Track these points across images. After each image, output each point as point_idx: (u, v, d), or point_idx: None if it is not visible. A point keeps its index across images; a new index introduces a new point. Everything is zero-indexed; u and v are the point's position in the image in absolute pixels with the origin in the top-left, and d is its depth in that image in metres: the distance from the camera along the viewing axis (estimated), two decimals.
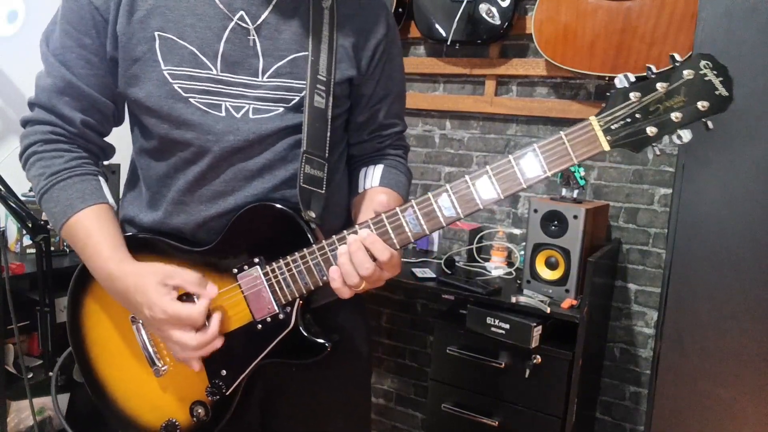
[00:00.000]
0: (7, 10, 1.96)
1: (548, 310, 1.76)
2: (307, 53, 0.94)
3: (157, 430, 1.00)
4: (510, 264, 2.19)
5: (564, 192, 1.97)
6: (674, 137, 0.79)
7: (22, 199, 1.77)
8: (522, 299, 1.81)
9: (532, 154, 0.82)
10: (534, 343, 1.77)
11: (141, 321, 0.99)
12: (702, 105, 0.78)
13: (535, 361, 1.81)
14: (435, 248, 2.36)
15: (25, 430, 1.92)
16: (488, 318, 1.83)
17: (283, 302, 0.93)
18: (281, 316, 0.93)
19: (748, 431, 1.49)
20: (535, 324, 1.76)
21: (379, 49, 1.02)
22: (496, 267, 2.13)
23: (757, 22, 1.40)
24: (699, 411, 1.55)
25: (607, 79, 1.99)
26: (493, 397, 1.91)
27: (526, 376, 1.82)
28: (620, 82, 0.80)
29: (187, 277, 0.90)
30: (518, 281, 2.00)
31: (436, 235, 2.33)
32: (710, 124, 0.79)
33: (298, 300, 0.92)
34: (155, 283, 0.89)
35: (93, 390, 1.05)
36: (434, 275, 2.01)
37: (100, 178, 0.98)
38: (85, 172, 0.97)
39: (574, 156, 0.80)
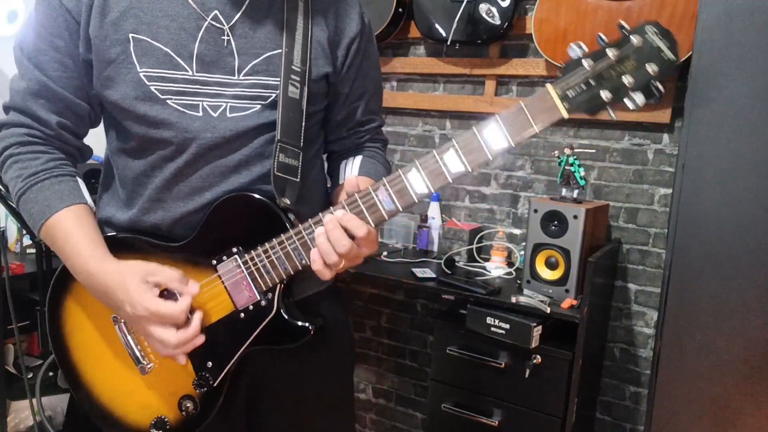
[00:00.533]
0: (7, 10, 1.96)
1: (548, 310, 1.76)
2: (281, 50, 0.95)
3: (147, 428, 1.00)
4: (510, 264, 2.19)
5: (564, 192, 1.97)
6: (627, 101, 0.83)
7: None
8: (522, 299, 1.81)
9: (495, 125, 0.84)
10: (534, 343, 1.77)
11: (123, 320, 0.99)
12: (652, 69, 0.82)
13: (535, 361, 1.81)
14: (435, 248, 2.36)
15: (25, 430, 1.92)
16: (488, 318, 1.83)
17: (264, 289, 0.94)
18: (263, 302, 0.94)
19: (748, 431, 1.49)
20: (535, 324, 1.76)
21: (353, 47, 1.03)
22: (496, 267, 2.13)
23: (757, 22, 1.40)
24: (699, 411, 1.55)
25: None
26: (493, 397, 1.91)
27: (526, 376, 1.82)
28: (573, 51, 0.83)
29: (168, 274, 0.91)
30: (518, 281, 2.00)
31: (436, 235, 2.33)
32: (661, 87, 0.83)
33: (279, 285, 0.93)
34: (136, 280, 0.89)
35: (79, 394, 1.05)
36: (434, 275, 2.01)
37: (78, 179, 0.99)
38: (63, 173, 0.97)
39: (535, 125, 0.83)
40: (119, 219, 1.01)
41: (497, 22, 2.13)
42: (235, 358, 0.95)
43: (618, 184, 2.14)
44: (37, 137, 0.96)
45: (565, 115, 0.83)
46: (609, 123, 2.14)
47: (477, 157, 0.85)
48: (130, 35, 0.90)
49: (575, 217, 1.80)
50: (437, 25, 2.23)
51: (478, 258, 2.24)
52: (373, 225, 0.88)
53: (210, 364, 0.96)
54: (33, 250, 1.84)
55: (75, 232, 0.93)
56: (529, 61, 2.22)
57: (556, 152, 2.19)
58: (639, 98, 0.83)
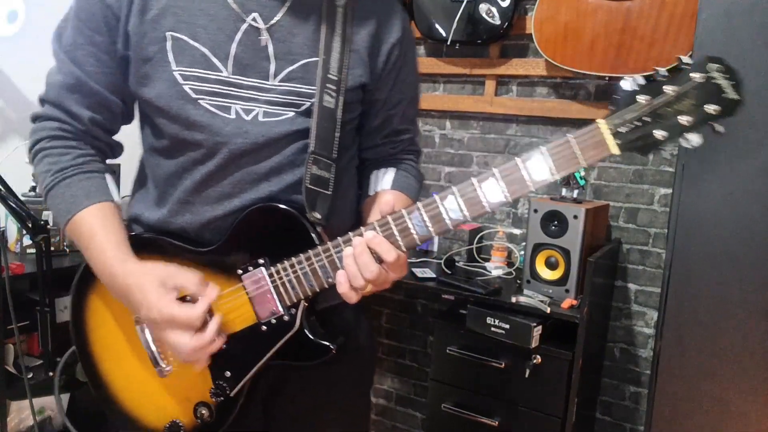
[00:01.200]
0: (7, 10, 1.96)
1: (548, 310, 1.76)
2: (318, 58, 0.93)
3: (161, 430, 1.00)
4: (510, 264, 2.19)
5: (564, 192, 1.97)
6: (682, 141, 0.78)
7: (22, 199, 1.77)
8: (522, 299, 1.81)
9: (539, 157, 0.81)
10: (534, 343, 1.77)
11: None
12: (711, 109, 0.76)
13: (535, 361, 1.81)
14: (435, 248, 2.36)
15: (25, 430, 1.92)
16: (488, 318, 1.84)
17: (288, 304, 0.92)
18: (286, 317, 0.92)
19: (748, 431, 1.49)
20: (535, 324, 1.76)
21: (393, 53, 1.00)
22: (496, 267, 2.13)
23: (757, 22, 1.40)
24: (699, 411, 1.55)
25: (607, 78, 1.99)
26: (493, 397, 1.91)
27: (526, 376, 1.82)
28: (628, 84, 0.79)
29: (187, 277, 0.89)
30: (518, 281, 2.00)
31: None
32: (720, 128, 0.78)
33: (303, 302, 0.92)
34: (156, 283, 0.88)
35: (96, 390, 1.04)
36: (434, 275, 2.01)
37: (107, 176, 0.98)
38: (92, 170, 0.96)
39: (582, 159, 0.79)
40: (148, 218, 1.00)
41: (497, 22, 2.13)
42: (253, 371, 0.94)
43: (618, 184, 2.14)
44: (69, 132, 0.95)
45: (616, 151, 0.79)
46: None
47: (519, 188, 0.82)
48: (168, 33, 0.89)
49: (575, 217, 1.80)
50: (437, 25, 2.23)
51: (478, 258, 2.24)
52: (404, 249, 0.86)
53: (228, 373, 0.95)
54: (33, 250, 1.84)
55: (99, 231, 0.92)
56: (529, 61, 2.22)
57: None
58: (695, 139, 0.78)
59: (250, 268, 0.93)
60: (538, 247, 1.87)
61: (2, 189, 1.66)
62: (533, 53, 2.22)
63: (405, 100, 1.06)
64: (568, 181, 1.95)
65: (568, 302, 1.79)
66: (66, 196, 0.94)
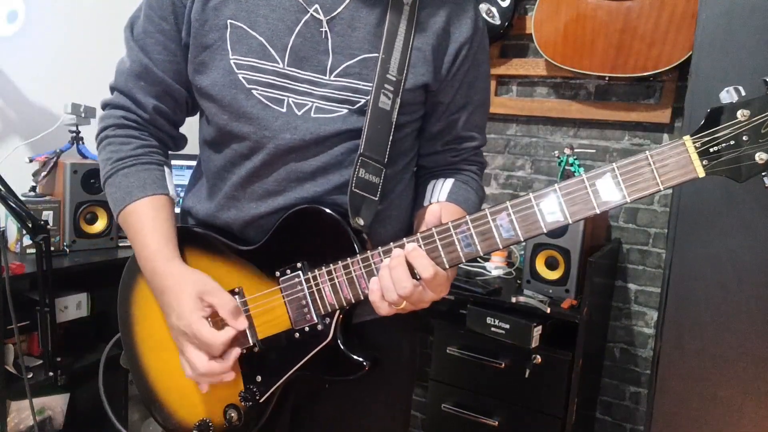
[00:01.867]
0: (7, 10, 1.96)
1: (548, 310, 1.76)
2: (377, 54, 0.89)
3: (190, 428, 1.00)
4: (510, 264, 2.19)
5: None
6: None
7: (22, 199, 1.77)
8: (522, 299, 1.81)
9: (609, 176, 0.71)
10: (534, 343, 1.77)
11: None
12: None
13: (535, 361, 1.81)
14: None
15: (25, 430, 1.92)
16: (488, 318, 1.84)
17: (323, 312, 0.89)
18: (320, 327, 0.89)
19: (748, 431, 1.49)
20: (535, 324, 1.76)
21: (461, 53, 0.94)
22: (496, 267, 2.13)
23: (757, 22, 1.40)
24: (699, 411, 1.55)
25: (607, 79, 1.99)
26: (493, 397, 1.91)
27: (526, 376, 1.82)
28: (727, 95, 0.68)
29: (224, 300, 0.88)
30: (518, 281, 2.00)
31: None
32: None
33: (338, 312, 0.88)
34: (193, 294, 0.88)
35: (137, 379, 1.05)
36: None
37: (165, 169, 0.98)
38: (150, 161, 0.96)
39: (661, 181, 0.69)
40: (198, 211, 1.00)
41: (497, 22, 2.13)
42: (284, 378, 0.92)
43: None
44: (133, 120, 0.96)
45: (702, 174, 0.68)
46: (609, 123, 2.14)
47: (581, 209, 0.74)
48: (229, 21, 0.88)
49: None
50: None
51: (478, 258, 2.24)
52: (447, 265, 0.81)
53: (259, 378, 0.93)
54: (33, 250, 1.84)
55: (147, 224, 0.92)
56: (529, 61, 2.22)
57: (556, 152, 2.19)
58: None
59: (288, 272, 0.90)
60: (538, 247, 1.87)
61: (2, 189, 1.66)
62: (533, 53, 2.21)
63: (471, 104, 1.00)
64: None
65: (568, 302, 1.79)
66: (122, 186, 0.94)
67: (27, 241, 1.93)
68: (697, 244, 1.52)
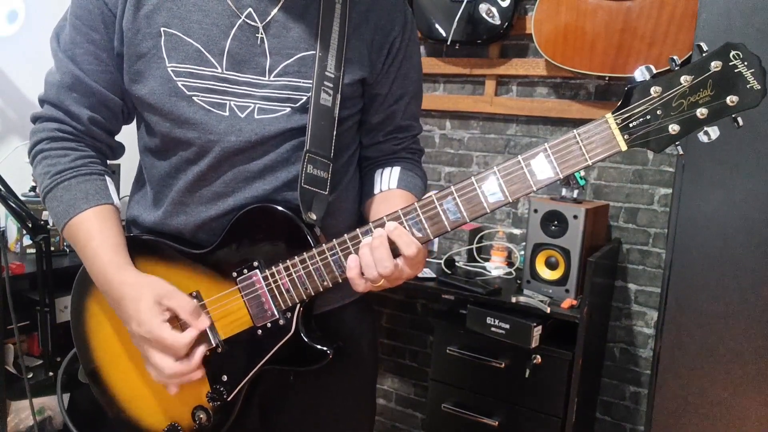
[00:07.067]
0: (7, 10, 1.96)
1: (548, 310, 1.76)
2: (314, 52, 0.91)
3: None
4: (510, 264, 2.19)
5: (564, 192, 1.97)
6: (700, 135, 0.73)
7: (22, 199, 1.77)
8: (522, 299, 1.81)
9: (543, 155, 0.77)
10: (534, 343, 1.77)
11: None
12: (731, 100, 0.71)
13: (535, 361, 1.81)
14: (435, 248, 2.36)
15: (25, 430, 1.92)
16: (488, 318, 1.84)
17: (283, 307, 0.90)
18: (281, 321, 0.91)
19: (748, 431, 1.49)
20: (535, 324, 1.76)
21: (395, 46, 0.98)
22: (496, 267, 2.13)
23: (757, 22, 1.40)
24: (699, 411, 1.55)
25: (607, 79, 1.99)
26: (493, 397, 1.91)
27: (526, 376, 1.82)
28: (640, 74, 0.73)
29: (183, 302, 0.88)
30: (518, 281, 2.00)
31: None
32: (740, 121, 0.73)
33: (298, 306, 0.90)
34: (151, 300, 0.87)
35: (97, 391, 1.04)
36: (434, 275, 2.01)
37: (107, 178, 0.97)
38: (91, 172, 0.95)
39: (588, 156, 0.75)
40: (145, 220, 0.99)
41: (497, 22, 2.13)
42: (249, 375, 0.93)
43: (618, 184, 2.14)
44: (68, 133, 0.94)
45: (624, 147, 0.74)
46: None
47: (520, 187, 0.78)
48: (162, 29, 0.88)
49: (575, 217, 1.81)
50: (437, 25, 2.23)
51: (478, 258, 2.24)
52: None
53: (225, 378, 0.94)
54: (33, 250, 1.84)
55: (96, 235, 0.91)
56: (529, 61, 2.22)
57: None
58: (713, 132, 0.73)
59: (245, 271, 0.91)
60: (538, 247, 1.87)
61: (2, 189, 1.66)
62: (533, 53, 2.22)
63: (407, 95, 1.04)
64: (568, 181, 1.95)
65: (568, 302, 1.79)
66: (64, 199, 0.92)
67: (27, 241, 1.93)
68: (697, 244, 1.52)
